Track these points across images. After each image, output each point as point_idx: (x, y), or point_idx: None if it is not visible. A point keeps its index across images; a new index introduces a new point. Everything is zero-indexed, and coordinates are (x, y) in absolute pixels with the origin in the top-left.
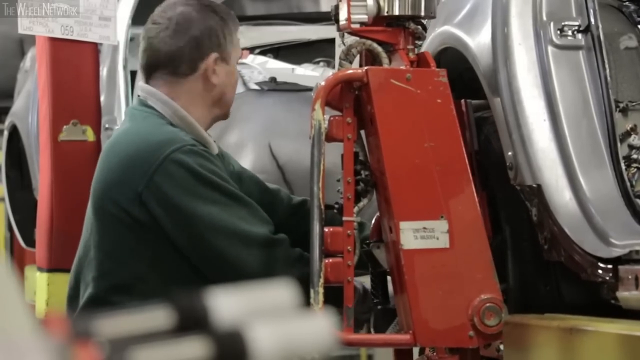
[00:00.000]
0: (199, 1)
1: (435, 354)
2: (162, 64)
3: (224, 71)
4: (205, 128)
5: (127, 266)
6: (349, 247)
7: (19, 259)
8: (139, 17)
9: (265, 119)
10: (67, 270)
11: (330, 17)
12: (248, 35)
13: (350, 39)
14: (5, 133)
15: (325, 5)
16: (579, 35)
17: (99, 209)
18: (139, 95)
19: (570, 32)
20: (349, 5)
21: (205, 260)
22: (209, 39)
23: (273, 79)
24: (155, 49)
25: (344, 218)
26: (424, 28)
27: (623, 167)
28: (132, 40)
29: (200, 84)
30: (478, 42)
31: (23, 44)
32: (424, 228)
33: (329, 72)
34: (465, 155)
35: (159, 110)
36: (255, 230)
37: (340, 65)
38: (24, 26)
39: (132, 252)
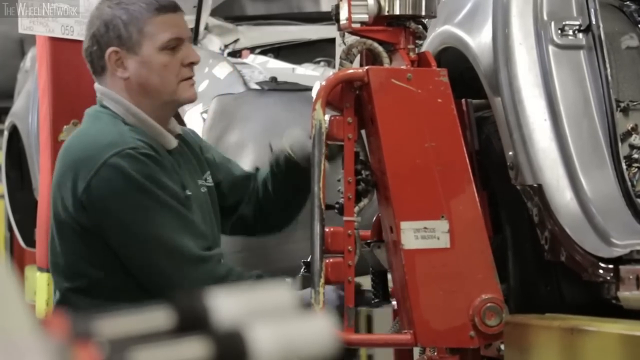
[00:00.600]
0: None
1: (435, 354)
2: (87, 64)
3: (134, 63)
4: (158, 120)
5: (83, 271)
6: (349, 247)
7: (19, 259)
8: None
9: (266, 119)
10: None
11: (331, 17)
12: (249, 35)
13: (350, 39)
14: (6, 133)
15: (326, 5)
16: (580, 35)
17: (54, 214)
18: (97, 96)
19: (571, 32)
20: (349, 5)
21: (135, 268)
22: (106, 34)
23: (273, 79)
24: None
25: (345, 218)
26: (425, 27)
27: (624, 166)
28: None
29: (117, 79)
30: (479, 41)
31: (23, 44)
32: (425, 228)
33: (330, 72)
34: (466, 155)
35: (112, 109)
36: (183, 243)
37: (341, 64)
38: (24, 26)
39: (85, 257)
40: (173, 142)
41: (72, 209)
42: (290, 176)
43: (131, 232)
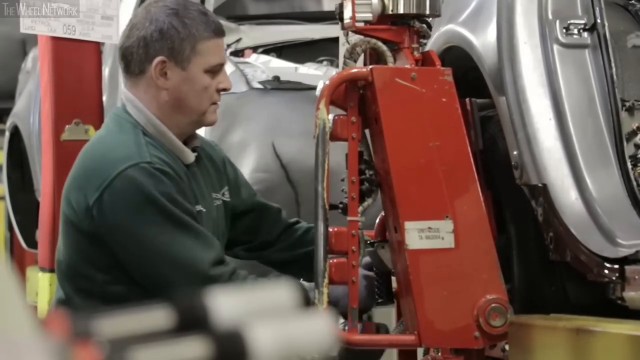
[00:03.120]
0: (172, 5)
1: (439, 354)
2: (119, 60)
3: (177, 76)
4: (178, 136)
5: (85, 273)
6: (353, 247)
7: (19, 260)
8: None
9: (269, 118)
10: None
11: (333, 16)
12: (251, 34)
13: (354, 38)
14: (7, 134)
15: (328, 5)
16: (585, 34)
17: (62, 212)
18: (121, 99)
19: (576, 31)
20: (353, 4)
21: (145, 281)
22: (159, 42)
23: (276, 78)
24: (118, 45)
25: (348, 218)
26: (429, 26)
27: (629, 166)
28: None
29: (153, 87)
30: (483, 40)
31: (25, 44)
32: (429, 228)
33: (332, 71)
34: (470, 154)
35: (134, 117)
36: (195, 260)
37: (345, 64)
38: (26, 25)
39: (88, 260)
40: (190, 157)
41: (81, 214)
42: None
43: (143, 247)
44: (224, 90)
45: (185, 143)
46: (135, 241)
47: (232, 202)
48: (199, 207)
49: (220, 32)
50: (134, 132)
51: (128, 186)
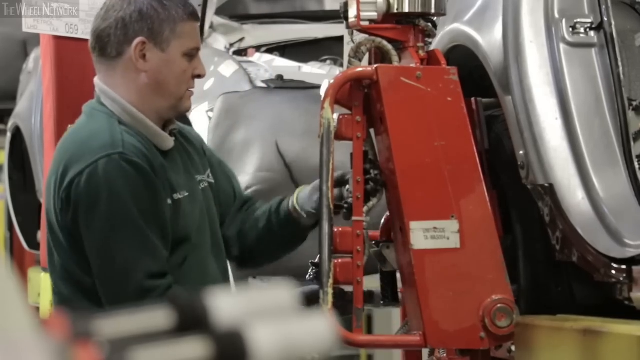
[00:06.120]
0: None
1: (445, 355)
2: (92, 44)
3: (157, 58)
4: (155, 122)
5: (76, 276)
6: (358, 247)
7: (19, 260)
8: None
9: (272, 117)
10: None
11: (336, 15)
12: (254, 33)
13: (359, 37)
14: (9, 135)
15: (330, 4)
16: (592, 33)
17: (47, 215)
18: (95, 91)
19: (582, 30)
20: (358, 3)
21: (96, 276)
22: (138, 23)
23: (280, 77)
24: (92, 29)
25: (353, 218)
26: (434, 25)
27: (636, 166)
28: None
29: (132, 70)
30: (489, 39)
31: (26, 45)
32: (435, 228)
33: (336, 70)
34: (476, 154)
35: (109, 107)
36: (133, 270)
37: (350, 63)
38: (28, 25)
39: (75, 262)
40: (169, 143)
41: (57, 209)
42: (286, 228)
43: (93, 241)
44: (199, 77)
45: (163, 128)
46: (88, 235)
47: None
48: (177, 196)
49: (196, 17)
50: (108, 121)
51: (94, 179)
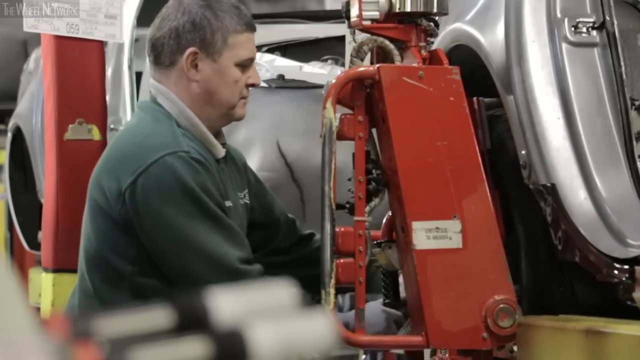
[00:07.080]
0: None
1: (447, 355)
2: (148, 52)
3: (208, 68)
4: (209, 129)
5: (112, 262)
6: (360, 248)
7: (20, 260)
8: (144, 18)
9: (273, 117)
10: (73, 271)
11: (337, 15)
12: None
13: (361, 36)
14: (9, 135)
15: (330, 4)
16: (594, 32)
17: (91, 198)
18: (150, 91)
19: (584, 29)
20: (360, 2)
21: (170, 271)
22: (191, 33)
23: (281, 77)
24: (148, 37)
25: (355, 218)
26: (436, 25)
27: (639, 165)
28: (137, 41)
29: (184, 78)
30: (491, 39)
31: (27, 45)
32: (437, 228)
33: (337, 70)
34: (478, 154)
35: (166, 108)
36: (225, 255)
37: (352, 62)
38: (29, 24)
39: (116, 248)
40: (221, 152)
41: (112, 199)
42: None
43: (173, 236)
44: (253, 85)
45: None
46: (165, 230)
47: (252, 205)
48: (228, 203)
49: (251, 27)
50: (168, 122)
51: (164, 173)
